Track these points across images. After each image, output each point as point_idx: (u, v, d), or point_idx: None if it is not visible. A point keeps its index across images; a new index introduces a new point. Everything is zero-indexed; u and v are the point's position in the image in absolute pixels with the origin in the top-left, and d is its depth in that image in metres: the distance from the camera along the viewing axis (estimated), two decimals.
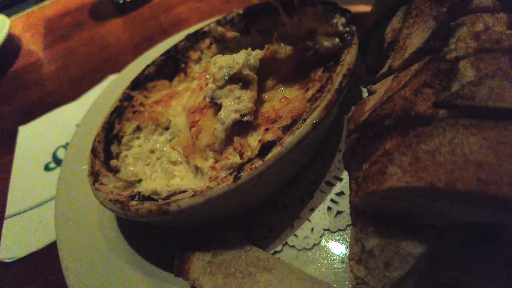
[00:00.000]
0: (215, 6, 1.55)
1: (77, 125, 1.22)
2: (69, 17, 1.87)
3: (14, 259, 0.90)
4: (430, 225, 0.52)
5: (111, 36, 1.63)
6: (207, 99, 0.68)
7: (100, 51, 1.55)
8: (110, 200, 0.63)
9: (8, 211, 1.03)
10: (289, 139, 0.59)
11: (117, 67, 1.40)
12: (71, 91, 1.39)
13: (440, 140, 0.45)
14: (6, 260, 0.90)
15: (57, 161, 1.14)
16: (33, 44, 1.75)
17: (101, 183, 0.68)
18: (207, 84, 0.69)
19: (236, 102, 0.66)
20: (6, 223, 0.99)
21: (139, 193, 0.63)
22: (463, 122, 0.45)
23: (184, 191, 0.61)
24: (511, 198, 0.39)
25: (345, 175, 0.74)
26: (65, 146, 1.18)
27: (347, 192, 0.72)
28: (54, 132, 1.25)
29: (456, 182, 0.41)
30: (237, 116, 0.64)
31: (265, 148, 0.60)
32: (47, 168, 1.13)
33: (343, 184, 0.73)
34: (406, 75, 0.54)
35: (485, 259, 0.53)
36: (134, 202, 0.61)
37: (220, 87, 0.67)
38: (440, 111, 0.48)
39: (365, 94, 0.90)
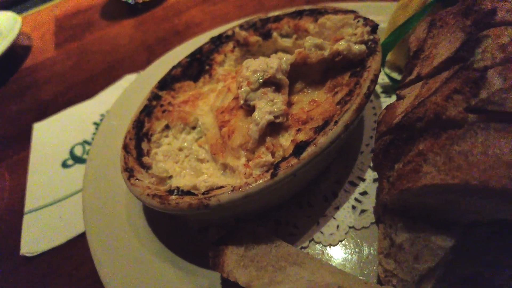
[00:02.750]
0: (228, 10, 1.58)
1: (94, 123, 1.26)
2: (80, 16, 1.89)
3: (36, 254, 0.91)
4: (455, 221, 0.56)
5: (123, 37, 1.65)
6: (241, 101, 0.71)
7: (113, 51, 1.58)
8: (148, 194, 0.66)
9: (27, 206, 1.04)
10: (323, 139, 0.63)
11: (132, 67, 1.43)
12: (85, 90, 1.41)
13: (472, 142, 0.49)
14: (28, 254, 0.91)
15: (75, 158, 1.16)
16: (43, 42, 1.76)
17: (137, 179, 0.71)
18: (240, 87, 0.72)
19: (269, 105, 0.69)
20: (25, 218, 1.01)
21: (177, 188, 0.66)
22: (494, 126, 0.49)
23: (221, 187, 0.64)
24: None
25: (367, 175, 0.78)
26: (83, 144, 1.19)
27: (370, 192, 0.75)
28: (70, 130, 1.26)
29: (489, 180, 0.45)
30: (271, 117, 0.68)
31: (300, 147, 0.63)
32: (64, 165, 1.15)
33: (366, 185, 0.77)
34: (436, 82, 0.59)
35: (508, 254, 0.57)
36: (173, 197, 0.64)
37: (254, 90, 0.71)
38: (470, 116, 0.52)
39: (382, 99, 0.94)
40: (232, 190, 0.61)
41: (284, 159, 0.64)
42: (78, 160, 1.15)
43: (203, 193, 0.63)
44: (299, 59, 0.74)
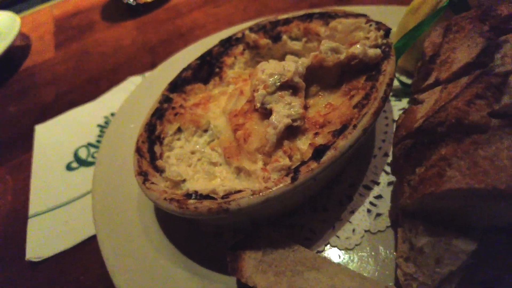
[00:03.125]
0: (231, 12, 1.58)
1: (98, 125, 1.24)
2: (80, 17, 1.87)
3: (42, 259, 0.89)
4: (475, 226, 0.56)
5: (125, 38, 1.64)
6: (258, 104, 0.71)
7: (115, 52, 1.56)
8: (165, 198, 0.65)
9: (32, 210, 1.02)
10: (343, 143, 0.63)
11: (135, 69, 1.42)
12: (87, 91, 1.39)
13: (497, 146, 0.49)
14: (34, 260, 0.90)
15: (80, 161, 1.14)
16: (43, 43, 1.74)
17: (152, 183, 0.70)
18: (256, 90, 0.72)
19: (287, 108, 0.69)
20: (30, 222, 0.99)
21: (196, 192, 0.66)
22: None
23: (240, 191, 0.64)
24: None
25: (381, 179, 0.78)
26: (87, 146, 1.18)
27: (385, 195, 0.76)
28: (73, 132, 1.24)
29: None
30: (288, 121, 0.68)
31: (318, 151, 0.63)
32: (69, 167, 1.13)
33: (381, 188, 0.77)
34: (456, 86, 0.59)
35: None
36: (192, 201, 0.63)
37: (271, 93, 0.71)
38: (493, 121, 0.53)
39: (393, 102, 0.95)
40: (252, 195, 0.60)
41: (303, 163, 0.64)
42: (83, 163, 1.13)
43: (222, 197, 0.62)
44: (315, 62, 0.74)
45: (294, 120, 0.68)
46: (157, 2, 1.81)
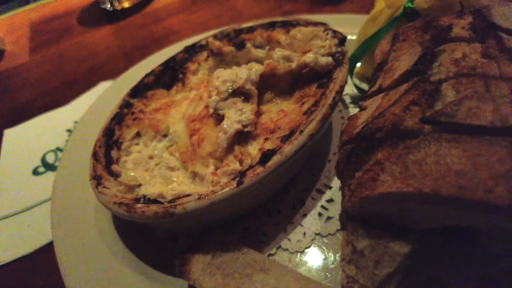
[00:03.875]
0: (206, 19, 1.60)
1: (68, 130, 1.24)
2: (57, 22, 1.87)
3: (3, 263, 0.89)
4: (413, 228, 0.58)
5: (101, 43, 1.64)
6: (211, 110, 0.72)
7: (90, 57, 1.57)
8: (115, 202, 0.66)
9: None
10: (288, 148, 0.64)
11: (108, 74, 1.42)
12: (60, 96, 1.39)
13: (426, 151, 0.51)
14: None
15: (46, 166, 1.14)
16: (18, 47, 1.73)
17: (104, 187, 0.71)
18: (210, 96, 0.73)
19: (238, 114, 0.70)
20: None
21: (144, 196, 0.66)
22: (446, 137, 0.51)
23: (188, 195, 0.65)
24: (485, 202, 0.45)
25: (334, 183, 0.80)
26: (55, 151, 1.18)
27: (336, 199, 0.77)
28: (42, 137, 1.24)
29: (440, 188, 0.47)
30: (239, 126, 0.69)
31: (266, 156, 0.65)
32: (35, 172, 1.13)
33: (333, 192, 0.79)
34: (396, 93, 0.61)
35: (461, 258, 0.59)
36: (139, 205, 0.64)
37: (223, 99, 0.72)
38: (426, 127, 0.55)
39: (351, 109, 0.97)
40: (198, 199, 0.61)
41: (250, 167, 0.65)
42: (50, 167, 1.13)
43: (170, 202, 0.63)
44: (268, 70, 0.76)
45: (244, 126, 0.70)
46: (134, 8, 1.82)
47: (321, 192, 0.79)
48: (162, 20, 1.68)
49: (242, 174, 0.63)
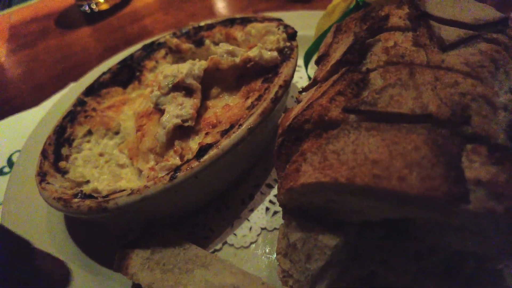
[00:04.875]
0: (180, 19, 1.60)
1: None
2: (36, 24, 1.88)
3: None
4: (348, 221, 0.57)
5: (77, 45, 1.65)
6: (151, 105, 0.72)
7: (64, 59, 1.57)
8: (54, 198, 0.66)
9: None
10: (225, 142, 0.64)
11: (80, 76, 1.42)
12: (33, 97, 1.39)
13: (345, 141, 0.50)
14: None
15: (12, 165, 1.14)
16: None
17: (48, 183, 0.70)
18: (152, 91, 0.73)
19: (178, 108, 0.70)
20: None
21: (81, 191, 0.66)
22: (365, 125, 0.50)
23: (124, 190, 0.64)
24: (398, 191, 0.44)
25: None
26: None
27: None
28: (11, 137, 1.25)
29: (355, 177, 0.46)
30: (178, 121, 0.69)
31: (202, 150, 0.64)
32: (1, 172, 1.13)
33: None
34: (326, 85, 0.60)
35: (398, 252, 0.58)
36: (75, 200, 0.64)
37: (164, 94, 0.72)
38: (350, 116, 0.54)
39: None
40: (130, 194, 0.61)
41: (187, 161, 0.65)
42: None
43: (104, 197, 0.63)
44: (212, 64, 0.76)
45: (184, 121, 0.70)
46: (111, 9, 1.82)
47: (271, 187, 0.79)
48: (138, 21, 1.68)
49: (176, 169, 0.63)
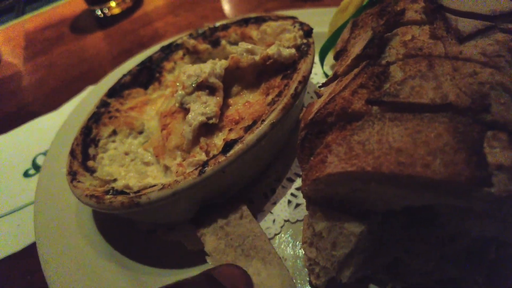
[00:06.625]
0: (191, 21, 1.63)
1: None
2: (50, 30, 1.92)
3: None
4: (373, 210, 0.59)
5: (91, 49, 1.68)
6: (177, 104, 0.75)
7: (79, 63, 1.61)
8: (86, 195, 0.69)
9: None
10: (250, 137, 0.67)
11: (96, 79, 1.46)
12: (50, 102, 1.43)
13: (370, 131, 0.53)
14: None
15: (37, 168, 1.18)
16: (12, 57, 1.79)
17: (78, 181, 0.73)
18: (176, 91, 0.76)
19: (203, 107, 0.73)
20: None
21: (112, 188, 0.69)
22: (388, 116, 0.53)
23: (154, 185, 0.67)
24: (422, 177, 0.46)
25: None
26: (45, 153, 1.21)
27: None
28: (33, 141, 1.29)
29: (381, 166, 0.49)
30: (203, 118, 0.71)
31: (228, 145, 0.67)
32: (26, 174, 1.17)
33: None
34: (347, 79, 0.63)
35: (421, 240, 0.60)
36: (108, 196, 0.67)
37: (189, 94, 0.75)
38: (373, 108, 0.56)
39: None
40: (161, 188, 0.64)
41: (213, 157, 0.67)
42: (39, 169, 1.16)
43: (135, 192, 0.66)
44: (232, 63, 0.78)
45: (209, 118, 0.72)
46: (123, 13, 1.86)
47: (292, 181, 0.81)
48: (149, 24, 1.71)
49: (204, 164, 0.65)
